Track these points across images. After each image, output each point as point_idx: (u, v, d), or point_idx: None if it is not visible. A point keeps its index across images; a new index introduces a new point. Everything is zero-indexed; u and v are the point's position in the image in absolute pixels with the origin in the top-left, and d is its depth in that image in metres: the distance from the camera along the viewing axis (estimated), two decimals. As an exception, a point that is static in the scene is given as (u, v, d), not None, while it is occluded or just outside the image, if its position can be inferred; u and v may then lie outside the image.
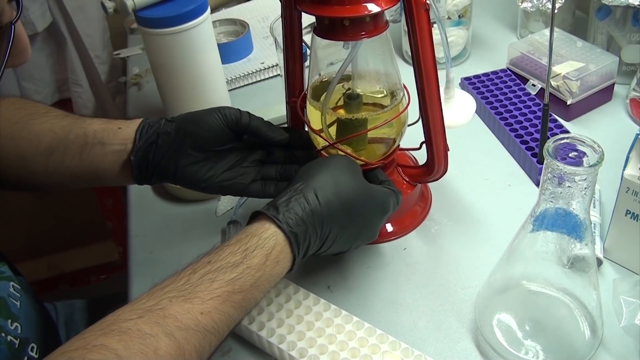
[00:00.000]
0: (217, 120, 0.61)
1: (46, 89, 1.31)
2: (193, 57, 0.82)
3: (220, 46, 0.90)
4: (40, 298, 0.77)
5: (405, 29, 0.95)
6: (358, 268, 0.66)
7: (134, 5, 0.79)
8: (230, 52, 1.02)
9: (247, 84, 1.00)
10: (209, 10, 0.82)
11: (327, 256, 0.67)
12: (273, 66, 1.01)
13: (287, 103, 0.70)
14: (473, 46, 1.00)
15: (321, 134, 0.63)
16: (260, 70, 1.00)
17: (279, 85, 0.96)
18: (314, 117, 0.64)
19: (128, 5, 0.78)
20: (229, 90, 0.96)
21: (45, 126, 0.63)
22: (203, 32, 0.82)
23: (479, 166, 0.77)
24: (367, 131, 0.63)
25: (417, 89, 0.61)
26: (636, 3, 0.78)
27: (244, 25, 1.07)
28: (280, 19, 0.63)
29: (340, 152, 0.64)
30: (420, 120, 0.63)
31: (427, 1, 0.56)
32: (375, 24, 0.57)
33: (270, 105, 0.90)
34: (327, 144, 0.63)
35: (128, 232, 0.75)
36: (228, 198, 0.76)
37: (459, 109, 0.69)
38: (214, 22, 0.95)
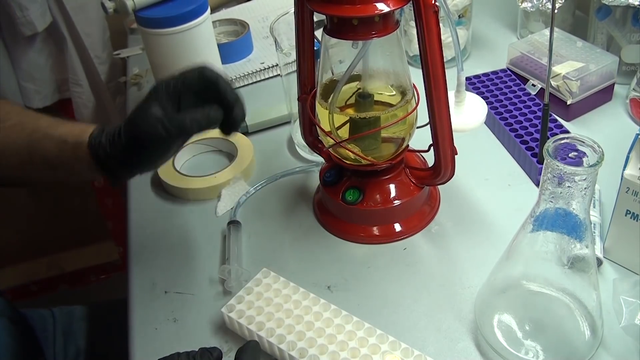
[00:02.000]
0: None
1: (46, 89, 1.31)
2: (193, 57, 0.82)
3: (220, 46, 0.90)
4: (20, 312, 0.75)
5: (405, 29, 0.96)
6: (358, 268, 0.66)
7: (134, 5, 0.79)
8: (230, 52, 1.02)
9: (247, 84, 1.00)
10: (209, 10, 0.82)
11: (327, 256, 0.67)
12: (273, 66, 1.01)
13: (298, 99, 0.70)
14: (473, 46, 1.00)
15: (330, 134, 0.63)
16: (260, 70, 1.00)
17: (279, 85, 0.95)
18: (322, 116, 0.64)
19: (128, 5, 0.79)
20: (229, 90, 0.96)
21: (5, 143, 0.61)
22: (203, 32, 0.82)
23: (479, 166, 0.77)
24: (375, 130, 0.63)
25: (425, 92, 0.60)
26: (636, 3, 0.78)
27: (244, 25, 1.07)
28: (293, 15, 0.63)
29: (349, 152, 0.64)
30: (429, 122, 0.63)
31: (436, 3, 0.55)
32: (385, 23, 0.57)
33: (270, 105, 0.90)
34: (333, 142, 0.63)
35: (128, 232, 0.75)
36: (228, 198, 0.76)
37: (470, 112, 0.68)
38: (214, 22, 0.95)
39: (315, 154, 0.77)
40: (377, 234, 0.68)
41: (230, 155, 0.84)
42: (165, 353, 0.51)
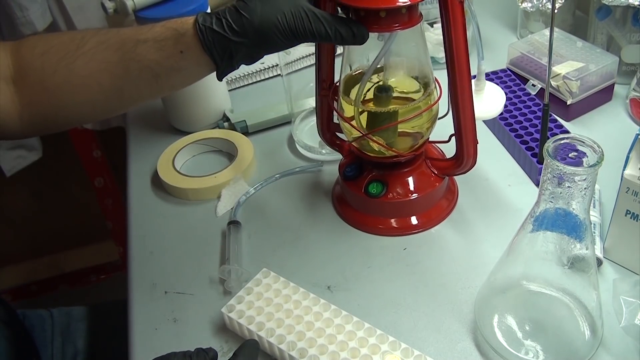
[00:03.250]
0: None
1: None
2: (193, 57, 0.82)
3: (220, 46, 0.90)
4: (17, 312, 0.75)
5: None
6: (358, 268, 0.66)
7: (134, 6, 0.79)
8: (230, 52, 1.02)
9: (247, 84, 1.00)
10: (209, 10, 0.82)
11: (327, 256, 0.67)
12: (273, 66, 1.01)
13: (318, 95, 0.70)
14: (473, 46, 1.00)
15: (355, 126, 0.64)
16: (260, 70, 1.00)
17: (279, 85, 0.96)
18: (347, 110, 0.65)
19: (128, 5, 0.78)
20: (229, 91, 0.96)
21: (94, 66, 0.56)
22: (203, 32, 0.82)
23: (479, 166, 0.76)
24: (397, 123, 0.63)
25: (449, 82, 0.61)
26: (636, 3, 0.78)
27: (244, 25, 1.07)
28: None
29: (373, 144, 0.64)
30: (451, 113, 0.64)
31: None
32: (410, 15, 0.57)
33: (270, 105, 0.90)
34: (358, 135, 0.64)
35: (128, 232, 0.75)
36: (228, 198, 0.76)
37: (489, 101, 0.69)
38: (214, 22, 0.95)
39: (317, 153, 0.77)
40: (396, 226, 0.69)
41: (230, 155, 0.84)
42: (165, 353, 0.51)
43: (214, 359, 0.51)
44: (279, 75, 1.00)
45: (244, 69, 1.00)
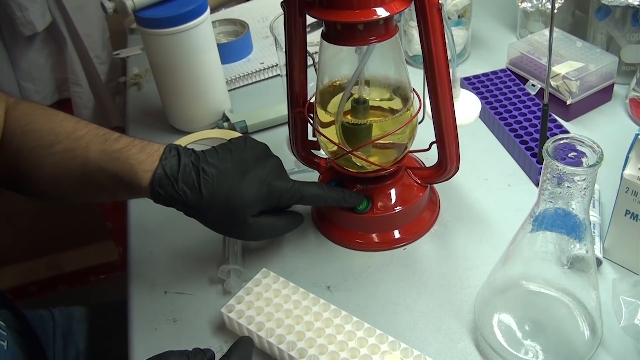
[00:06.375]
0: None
1: (46, 89, 1.31)
2: (193, 57, 0.82)
3: (220, 46, 0.90)
4: (25, 316, 0.75)
5: (405, 29, 0.96)
6: (358, 268, 0.66)
7: (134, 6, 0.79)
8: (230, 52, 1.02)
9: (247, 84, 1.00)
10: (208, 10, 0.82)
11: (326, 256, 0.67)
12: (273, 66, 1.01)
13: (291, 112, 0.68)
14: (473, 46, 1.00)
15: (339, 144, 0.63)
16: (260, 70, 1.00)
17: (279, 85, 0.96)
18: (325, 126, 0.64)
19: (127, 5, 0.78)
20: (229, 90, 0.96)
21: (59, 172, 0.60)
22: (203, 32, 0.82)
23: (479, 166, 0.77)
24: (382, 137, 0.62)
25: (429, 89, 0.60)
26: (636, 3, 0.78)
27: (243, 25, 1.07)
28: (283, 26, 0.62)
29: (356, 160, 0.64)
30: (432, 120, 0.63)
31: (440, 1, 0.55)
32: (387, 27, 0.57)
33: (270, 105, 0.90)
34: (341, 152, 0.64)
35: (128, 232, 0.75)
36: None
37: (465, 108, 0.69)
38: (213, 22, 0.95)
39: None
40: (377, 241, 0.68)
41: (230, 155, 0.84)
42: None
43: None
44: (279, 75, 1.00)
45: (243, 69, 1.01)
